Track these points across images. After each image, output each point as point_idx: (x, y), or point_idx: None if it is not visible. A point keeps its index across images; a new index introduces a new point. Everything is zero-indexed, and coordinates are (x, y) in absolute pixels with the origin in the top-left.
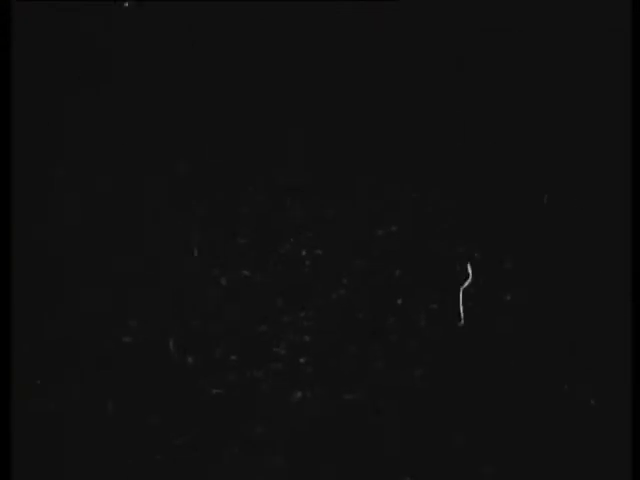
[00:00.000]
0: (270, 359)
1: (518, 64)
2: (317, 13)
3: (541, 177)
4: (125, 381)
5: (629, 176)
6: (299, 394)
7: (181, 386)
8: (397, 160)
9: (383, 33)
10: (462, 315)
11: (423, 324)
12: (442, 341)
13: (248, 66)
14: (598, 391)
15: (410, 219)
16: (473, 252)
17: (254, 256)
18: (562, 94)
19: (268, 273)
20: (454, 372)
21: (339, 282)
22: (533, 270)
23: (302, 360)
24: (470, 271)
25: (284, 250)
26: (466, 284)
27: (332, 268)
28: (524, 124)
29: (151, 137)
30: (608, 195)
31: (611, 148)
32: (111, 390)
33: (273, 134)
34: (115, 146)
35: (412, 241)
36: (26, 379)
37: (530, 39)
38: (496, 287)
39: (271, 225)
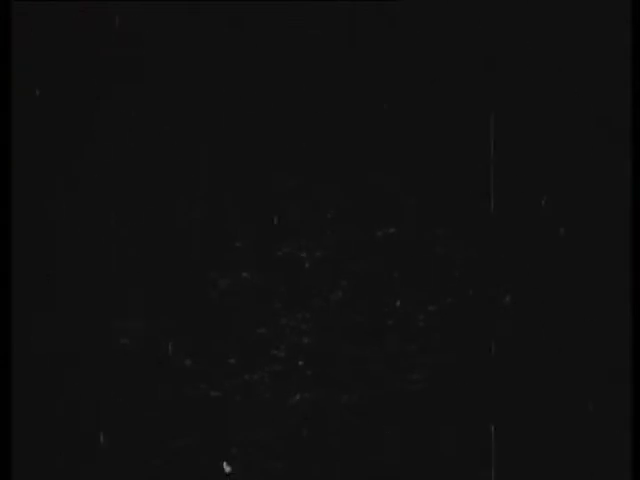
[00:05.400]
0: (269, 361)
1: (519, 67)
2: (317, 14)
3: (540, 181)
4: (123, 382)
5: (629, 179)
6: (298, 396)
7: (180, 388)
8: (396, 163)
9: (383, 34)
10: None
11: (422, 326)
12: (441, 343)
13: (247, 71)
14: (596, 395)
15: (409, 221)
16: (472, 255)
17: (253, 258)
18: (562, 96)
19: (267, 275)
20: (452, 374)
21: (338, 284)
22: (532, 273)
23: (301, 362)
24: None
25: (283, 252)
26: None
27: (331, 270)
28: (522, 127)
29: (151, 139)
30: (608, 198)
31: (611, 151)
32: (109, 391)
33: (272, 137)
34: (114, 146)
35: (411, 243)
36: (25, 380)
37: (529, 41)
38: (495, 290)
39: (270, 228)
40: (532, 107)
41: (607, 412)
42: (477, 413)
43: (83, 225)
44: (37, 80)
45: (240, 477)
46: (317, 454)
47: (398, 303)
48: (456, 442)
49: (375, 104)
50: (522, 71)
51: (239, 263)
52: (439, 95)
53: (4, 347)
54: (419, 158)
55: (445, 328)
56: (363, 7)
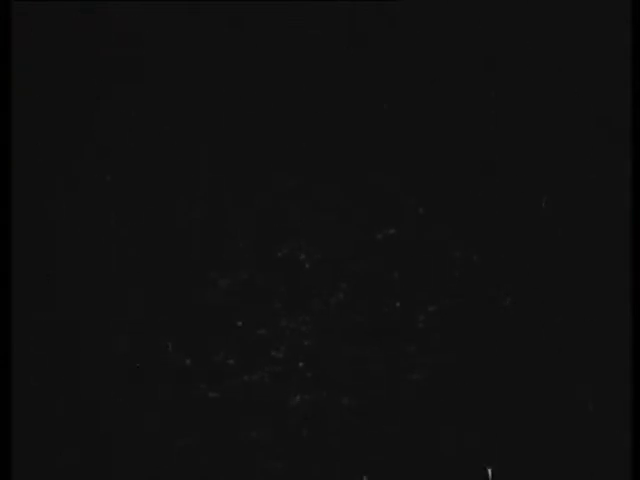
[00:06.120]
0: (269, 362)
1: (519, 67)
2: (317, 14)
3: (539, 180)
4: (123, 383)
5: (629, 179)
6: (298, 397)
7: (180, 388)
8: (396, 165)
9: (383, 34)
10: None
11: (422, 327)
12: (441, 344)
13: (247, 71)
14: (596, 396)
15: (408, 222)
16: (471, 255)
17: (253, 259)
18: (562, 96)
19: (267, 276)
20: (452, 374)
21: (338, 286)
22: (532, 273)
23: (301, 363)
24: None
25: (283, 254)
26: None
27: (331, 272)
28: (522, 126)
29: (150, 140)
30: (608, 198)
31: (611, 151)
32: (109, 391)
33: (272, 137)
34: (114, 146)
35: (410, 244)
36: (26, 381)
37: (529, 41)
38: (495, 291)
39: (270, 229)
40: (532, 107)
41: (607, 412)
42: (477, 413)
43: (83, 225)
44: (37, 80)
45: (240, 477)
46: (317, 454)
47: (398, 304)
48: (456, 442)
49: (375, 104)
50: (522, 71)
51: (239, 263)
52: (439, 95)
53: (4, 347)
54: (419, 158)
55: (445, 328)
56: (363, 7)
